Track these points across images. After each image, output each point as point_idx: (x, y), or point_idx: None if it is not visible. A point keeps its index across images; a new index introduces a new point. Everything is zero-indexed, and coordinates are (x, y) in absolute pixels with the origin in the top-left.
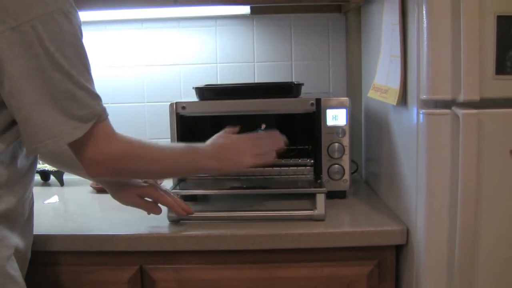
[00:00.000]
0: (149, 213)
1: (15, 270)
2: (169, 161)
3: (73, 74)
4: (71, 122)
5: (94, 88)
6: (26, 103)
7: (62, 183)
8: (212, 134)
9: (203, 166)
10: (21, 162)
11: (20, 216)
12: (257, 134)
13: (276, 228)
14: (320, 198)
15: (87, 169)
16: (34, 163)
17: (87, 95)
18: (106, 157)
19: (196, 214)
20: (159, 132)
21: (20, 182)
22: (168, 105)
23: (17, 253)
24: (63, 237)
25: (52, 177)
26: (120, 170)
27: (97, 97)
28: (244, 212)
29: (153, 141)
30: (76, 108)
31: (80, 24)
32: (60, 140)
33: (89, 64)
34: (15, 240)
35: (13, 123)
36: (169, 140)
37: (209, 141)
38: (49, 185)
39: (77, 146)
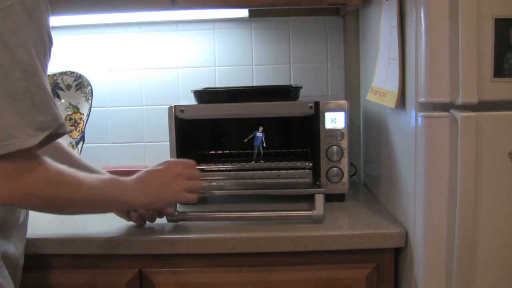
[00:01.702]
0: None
1: (3, 277)
2: (87, 190)
3: (35, 74)
4: (26, 127)
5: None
6: None
7: None
8: (211, 137)
9: (124, 199)
10: None
11: (12, 223)
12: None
13: (274, 231)
14: (319, 199)
15: (4, 185)
16: None
17: (50, 100)
18: (28, 175)
19: (194, 214)
20: (157, 136)
21: None
22: (167, 109)
23: (7, 259)
24: (61, 240)
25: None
26: (34, 194)
27: (57, 107)
28: (242, 212)
29: (72, 169)
30: (34, 112)
31: (48, 29)
32: (9, 145)
33: (46, 71)
34: (4, 246)
35: None
36: (168, 143)
37: (134, 176)
38: None
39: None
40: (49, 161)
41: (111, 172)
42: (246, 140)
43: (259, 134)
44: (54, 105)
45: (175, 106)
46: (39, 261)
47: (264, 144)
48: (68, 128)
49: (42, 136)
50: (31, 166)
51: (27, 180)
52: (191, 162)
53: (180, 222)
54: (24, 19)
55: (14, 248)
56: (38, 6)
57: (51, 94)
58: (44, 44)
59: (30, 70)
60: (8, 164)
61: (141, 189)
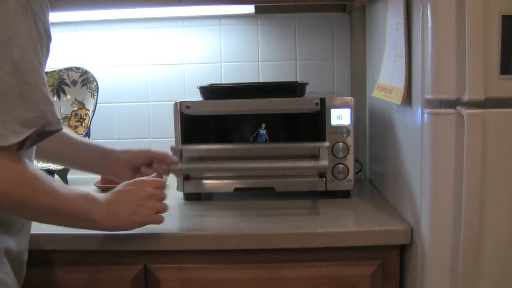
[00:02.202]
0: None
1: (5, 273)
2: (59, 201)
3: (26, 69)
4: (13, 124)
5: (49, 93)
6: None
7: (66, 182)
8: (216, 134)
9: (96, 217)
10: None
11: (15, 219)
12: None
13: (280, 227)
14: (323, 151)
15: None
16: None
17: (40, 96)
18: (8, 175)
19: (200, 166)
20: (163, 132)
21: None
22: (173, 105)
23: (10, 255)
24: (66, 236)
25: (56, 176)
26: (9, 197)
27: (51, 103)
28: (246, 163)
29: (50, 177)
30: (20, 108)
31: (45, 24)
32: None
33: (42, 65)
34: (7, 242)
35: None
36: (174, 139)
37: (106, 194)
38: None
39: None
40: (28, 163)
41: None
42: (251, 139)
43: (262, 131)
44: (44, 102)
45: (180, 102)
46: (44, 257)
47: (268, 141)
48: (62, 125)
49: (26, 133)
50: (6, 163)
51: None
52: (161, 181)
53: (183, 222)
54: (18, 13)
55: (18, 244)
56: (38, 4)
57: (45, 91)
58: (41, 39)
59: (20, 65)
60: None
61: (112, 211)
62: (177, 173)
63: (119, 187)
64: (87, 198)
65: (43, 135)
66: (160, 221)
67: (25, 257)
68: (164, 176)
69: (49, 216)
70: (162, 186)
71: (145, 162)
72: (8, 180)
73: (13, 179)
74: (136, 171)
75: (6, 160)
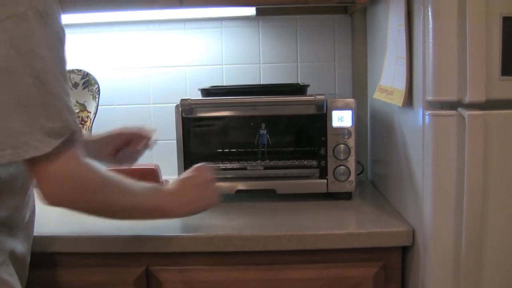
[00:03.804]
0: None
1: (9, 275)
2: (131, 197)
3: (47, 80)
4: (38, 134)
5: (71, 103)
6: None
7: None
8: (218, 135)
9: (166, 209)
10: (19, 167)
11: (18, 222)
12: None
13: (281, 229)
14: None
15: (47, 190)
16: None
17: (63, 107)
18: (68, 182)
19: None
20: (165, 134)
21: (20, 188)
22: (174, 107)
23: (14, 258)
24: (68, 238)
25: None
26: (79, 197)
27: (73, 112)
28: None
29: (118, 175)
30: (47, 119)
31: (61, 30)
32: (22, 153)
33: (67, 73)
34: (11, 245)
35: None
36: (175, 141)
37: (171, 185)
38: None
39: (38, 163)
40: (95, 165)
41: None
42: (256, 142)
43: (262, 131)
44: (67, 111)
45: (181, 101)
46: (47, 259)
47: (270, 142)
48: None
49: (55, 143)
50: (67, 173)
51: (68, 183)
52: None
53: (184, 223)
54: (37, 25)
55: (21, 246)
56: (51, 7)
57: (67, 100)
58: (62, 45)
59: (42, 76)
60: (49, 165)
61: (183, 199)
62: (152, 145)
63: (182, 176)
64: (156, 191)
65: (67, 144)
66: (219, 201)
67: (28, 259)
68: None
69: (123, 214)
70: (214, 169)
71: (124, 142)
72: (76, 189)
73: (81, 187)
74: (116, 152)
75: (79, 162)
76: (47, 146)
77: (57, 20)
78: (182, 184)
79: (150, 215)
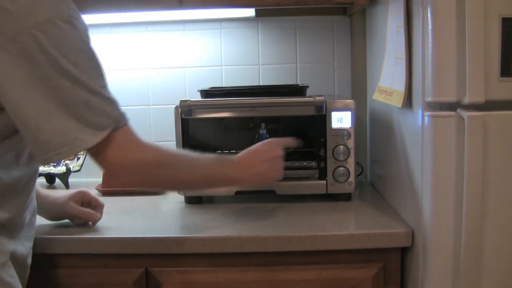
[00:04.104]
0: (93, 223)
1: (11, 276)
2: (199, 172)
3: (83, 80)
4: (86, 129)
5: (110, 93)
6: (34, 112)
7: (67, 186)
8: (217, 136)
9: (232, 178)
10: (23, 170)
11: (19, 224)
12: (270, 147)
13: (281, 230)
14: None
15: (112, 176)
16: (36, 172)
17: (102, 100)
18: (132, 164)
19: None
20: (164, 135)
21: (22, 191)
22: (174, 108)
23: (15, 259)
24: (68, 240)
25: (57, 180)
26: (149, 177)
27: (113, 102)
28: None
29: (183, 150)
30: (90, 114)
31: (86, 28)
32: (76, 147)
33: (101, 68)
34: (12, 246)
35: (13, 132)
36: (174, 142)
37: (238, 155)
38: (54, 188)
39: (98, 153)
40: (153, 144)
41: None
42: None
43: (262, 131)
44: (107, 104)
45: (180, 102)
46: (46, 261)
47: None
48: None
49: (104, 133)
50: (129, 152)
51: (131, 167)
52: (288, 140)
53: (184, 225)
54: (66, 29)
55: (22, 248)
56: (73, 8)
57: (105, 92)
58: (89, 40)
59: (77, 77)
60: (108, 154)
61: (248, 170)
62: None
63: (253, 146)
64: (222, 161)
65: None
66: (281, 177)
67: (29, 260)
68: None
69: (193, 186)
70: (289, 146)
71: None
72: (141, 171)
73: (146, 168)
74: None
75: (133, 145)
76: (97, 137)
77: (80, 19)
78: (253, 157)
79: (215, 185)
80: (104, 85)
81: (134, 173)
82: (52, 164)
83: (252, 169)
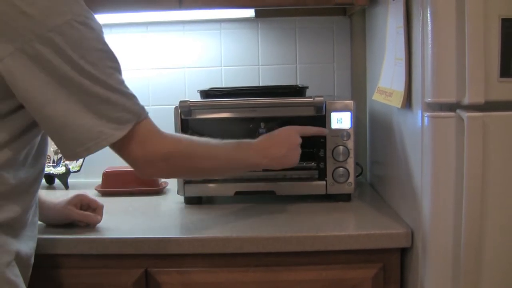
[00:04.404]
0: (92, 225)
1: (15, 275)
2: (221, 158)
3: (102, 79)
4: (110, 124)
5: (128, 88)
6: (60, 111)
7: (66, 187)
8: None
9: (252, 162)
10: (28, 171)
11: (23, 223)
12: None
13: (280, 231)
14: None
15: (137, 170)
16: (41, 173)
17: (122, 96)
18: (156, 155)
19: (208, 103)
20: None
21: (27, 191)
22: (173, 108)
23: (19, 259)
24: (68, 240)
25: (56, 181)
26: (171, 168)
27: (132, 97)
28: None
29: (203, 138)
30: (112, 111)
31: (101, 27)
32: (102, 141)
33: (118, 64)
34: (17, 246)
35: (22, 131)
36: None
37: (257, 139)
38: (54, 188)
39: (122, 147)
40: (176, 135)
41: (117, 172)
42: None
43: (262, 130)
44: (127, 99)
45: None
46: (46, 261)
47: None
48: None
49: (127, 127)
50: (155, 145)
51: (157, 159)
52: (308, 129)
53: (183, 225)
54: (82, 30)
55: (27, 248)
56: (86, 9)
57: (123, 88)
58: (104, 43)
59: (96, 76)
60: (134, 148)
61: (267, 155)
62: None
63: (274, 132)
64: (242, 146)
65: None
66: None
67: (32, 260)
68: None
69: (215, 173)
70: (308, 134)
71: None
72: (169, 162)
73: (173, 155)
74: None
75: (156, 137)
76: (121, 131)
77: (94, 19)
78: (272, 142)
79: (239, 169)
80: (122, 81)
81: (159, 164)
82: (51, 165)
83: (271, 154)
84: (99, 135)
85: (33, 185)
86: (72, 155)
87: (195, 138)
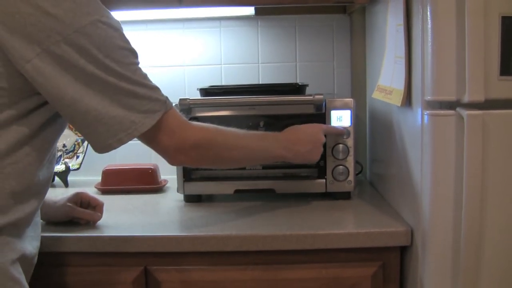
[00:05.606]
0: (93, 222)
1: (19, 273)
2: (247, 148)
3: (128, 75)
4: (139, 114)
5: (151, 81)
6: (93, 105)
7: (66, 184)
8: None
9: (277, 154)
10: (43, 173)
11: (26, 223)
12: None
13: (280, 229)
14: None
15: (168, 158)
16: (52, 174)
17: (148, 90)
18: (186, 143)
19: (208, 101)
20: None
21: (39, 193)
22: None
23: (24, 257)
24: (68, 239)
25: (56, 179)
26: (200, 156)
27: (157, 89)
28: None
29: (229, 128)
30: (140, 104)
31: (120, 24)
32: (133, 131)
33: (136, 57)
34: (22, 245)
35: (36, 131)
36: None
37: (283, 132)
38: (53, 186)
39: (152, 137)
40: (203, 125)
41: (116, 170)
42: None
43: (261, 129)
44: (151, 91)
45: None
46: (47, 259)
47: None
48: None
49: (157, 116)
50: (184, 134)
51: (187, 147)
52: (333, 128)
53: (183, 223)
54: (105, 29)
55: (31, 247)
56: (104, 8)
57: (147, 82)
58: (125, 41)
59: (121, 73)
60: (165, 137)
61: (291, 149)
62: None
63: (299, 126)
64: (268, 138)
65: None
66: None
67: (35, 260)
68: None
69: (241, 162)
70: (331, 133)
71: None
72: (198, 151)
73: (202, 144)
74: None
75: (183, 127)
76: (151, 120)
77: (113, 17)
78: (298, 137)
79: (264, 160)
80: (145, 75)
81: (189, 152)
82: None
83: (295, 148)
84: (130, 125)
85: (45, 186)
86: (103, 147)
87: (221, 127)
